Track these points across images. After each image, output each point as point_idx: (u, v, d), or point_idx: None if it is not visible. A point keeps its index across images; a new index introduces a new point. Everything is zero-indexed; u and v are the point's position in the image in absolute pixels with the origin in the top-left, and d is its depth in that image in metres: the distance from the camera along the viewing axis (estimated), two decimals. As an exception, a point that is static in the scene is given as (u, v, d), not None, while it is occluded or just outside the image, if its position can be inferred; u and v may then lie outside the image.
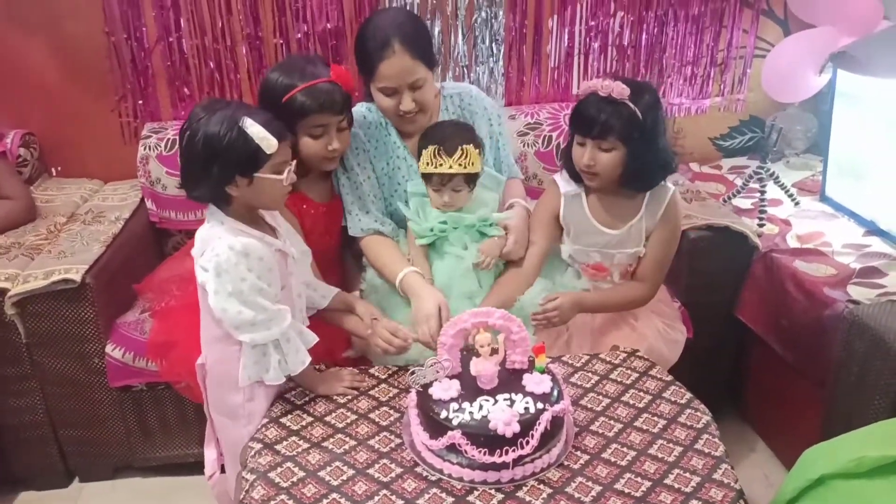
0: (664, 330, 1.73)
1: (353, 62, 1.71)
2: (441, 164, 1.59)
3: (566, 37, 2.36)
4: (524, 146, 2.22)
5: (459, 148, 1.59)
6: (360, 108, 1.76)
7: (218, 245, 1.30)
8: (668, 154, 1.61)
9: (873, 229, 2.01)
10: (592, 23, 2.34)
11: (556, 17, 2.32)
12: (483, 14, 2.28)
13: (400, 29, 1.59)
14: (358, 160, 1.74)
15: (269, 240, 1.36)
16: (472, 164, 1.61)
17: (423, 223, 1.67)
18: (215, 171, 1.28)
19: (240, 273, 1.29)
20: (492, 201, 1.75)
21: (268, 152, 1.29)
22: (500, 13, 2.29)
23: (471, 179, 1.65)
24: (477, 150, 1.62)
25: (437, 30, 2.28)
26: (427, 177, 1.66)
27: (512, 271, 1.70)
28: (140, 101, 2.27)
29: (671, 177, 2.24)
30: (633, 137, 1.53)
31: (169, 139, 2.15)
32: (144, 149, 2.16)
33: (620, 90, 1.50)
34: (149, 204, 2.19)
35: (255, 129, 1.27)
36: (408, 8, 2.23)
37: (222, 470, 1.53)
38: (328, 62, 1.63)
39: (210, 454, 1.53)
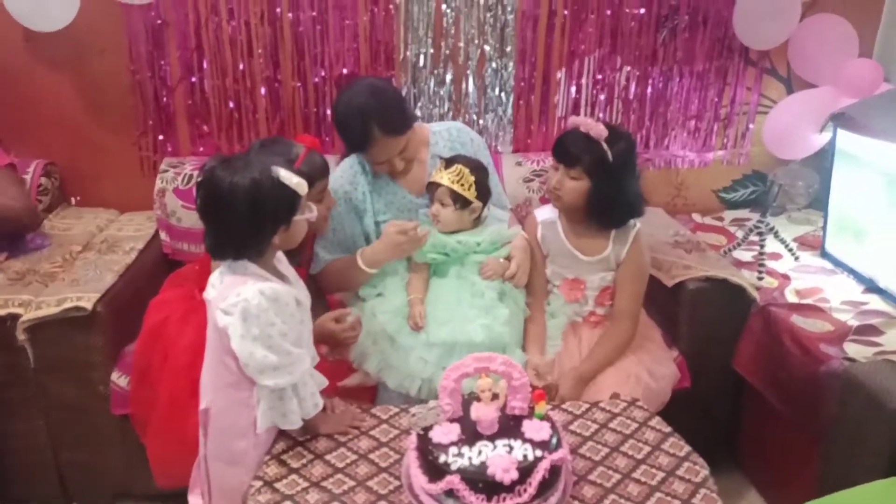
0: (650, 362, 1.77)
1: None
2: (435, 176, 1.77)
3: (573, 89, 2.43)
4: (529, 192, 2.28)
5: (456, 166, 1.76)
6: (351, 159, 1.86)
7: (246, 290, 1.28)
8: (633, 196, 1.75)
9: (872, 287, 2.02)
10: (599, 76, 2.42)
11: (564, 69, 2.40)
12: (494, 65, 2.37)
13: (375, 115, 1.69)
14: (339, 210, 1.82)
15: (287, 288, 1.37)
16: (462, 184, 1.74)
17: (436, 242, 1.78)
18: (266, 227, 1.31)
19: (269, 318, 1.29)
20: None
21: (302, 193, 1.33)
22: (511, 64, 2.37)
23: (457, 198, 1.76)
24: (473, 177, 1.75)
25: (448, 77, 2.36)
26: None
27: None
28: (160, 137, 2.34)
29: (672, 227, 2.31)
30: (598, 173, 1.70)
31: (186, 174, 2.22)
32: (162, 182, 2.22)
33: (598, 131, 1.68)
34: (163, 235, 2.24)
35: (286, 175, 1.30)
36: (422, 59, 2.32)
37: None
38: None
39: (195, 501, 1.49)
